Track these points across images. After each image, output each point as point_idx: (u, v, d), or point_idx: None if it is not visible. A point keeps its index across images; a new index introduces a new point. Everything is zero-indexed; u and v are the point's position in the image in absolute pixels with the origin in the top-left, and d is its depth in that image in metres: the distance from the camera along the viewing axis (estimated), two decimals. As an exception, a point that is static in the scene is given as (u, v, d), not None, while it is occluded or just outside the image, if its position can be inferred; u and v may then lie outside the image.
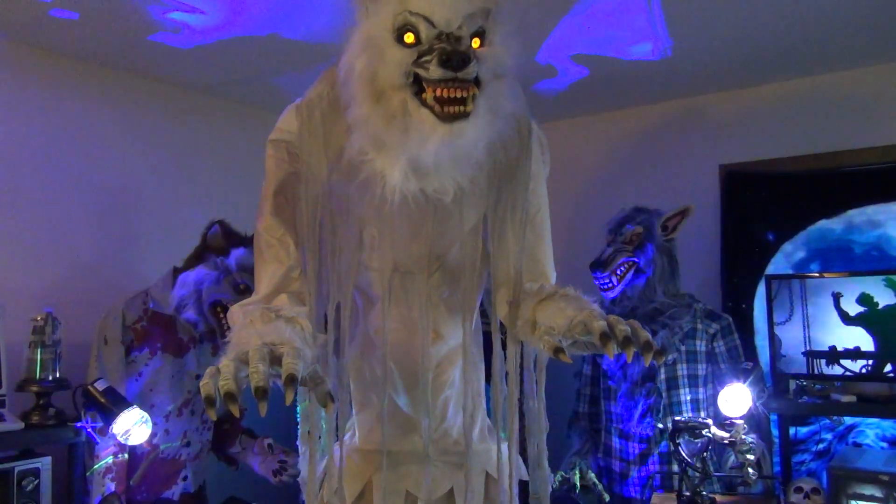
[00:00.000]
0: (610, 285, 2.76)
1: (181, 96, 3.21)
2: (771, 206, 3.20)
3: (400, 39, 1.20)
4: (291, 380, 1.00)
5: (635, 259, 2.75)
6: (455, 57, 1.13)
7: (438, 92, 1.15)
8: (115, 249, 2.92)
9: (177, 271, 2.56)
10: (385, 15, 1.21)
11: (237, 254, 2.50)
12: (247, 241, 2.51)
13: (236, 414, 0.98)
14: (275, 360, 1.05)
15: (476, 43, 1.22)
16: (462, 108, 1.16)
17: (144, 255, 2.98)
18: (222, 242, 2.54)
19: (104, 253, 2.88)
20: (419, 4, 1.19)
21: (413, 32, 1.19)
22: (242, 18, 2.46)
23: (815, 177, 3.11)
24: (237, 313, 1.31)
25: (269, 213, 1.42)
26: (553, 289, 1.35)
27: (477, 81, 1.19)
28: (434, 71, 1.15)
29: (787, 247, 3.15)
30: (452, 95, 1.15)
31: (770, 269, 3.14)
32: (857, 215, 3.01)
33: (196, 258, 2.55)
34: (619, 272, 2.75)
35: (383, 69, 1.19)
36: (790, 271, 3.10)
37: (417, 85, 1.18)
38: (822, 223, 3.08)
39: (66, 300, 2.59)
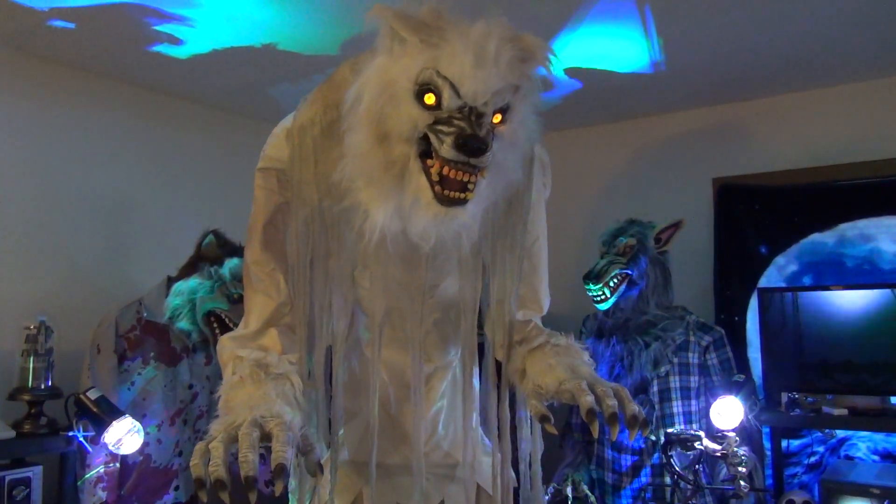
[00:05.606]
0: (603, 297, 2.77)
1: (177, 106, 3.22)
2: (764, 219, 3.21)
3: (420, 96, 1.11)
4: (281, 470, 1.00)
5: (628, 271, 2.76)
6: (472, 143, 1.05)
7: (445, 171, 1.09)
8: (108, 258, 2.92)
9: (171, 280, 2.56)
10: (410, 64, 1.11)
11: (231, 263, 2.51)
12: (241, 251, 2.51)
13: (227, 502, 0.99)
14: (265, 436, 1.06)
15: (497, 118, 1.14)
16: (462, 194, 1.10)
17: (138, 264, 2.97)
18: (216, 252, 2.54)
19: (98, 261, 2.87)
20: (450, 69, 1.09)
21: (435, 94, 1.10)
22: (238, 29, 2.47)
23: (808, 191, 3.13)
24: (227, 351, 1.31)
25: (259, 247, 1.37)
26: (544, 337, 1.32)
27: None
28: (447, 151, 1.07)
29: (779, 260, 3.16)
30: (458, 178, 1.09)
31: (762, 282, 3.15)
32: (849, 229, 3.03)
33: (190, 267, 2.56)
34: (612, 284, 2.75)
35: (394, 119, 1.12)
36: (783, 284, 3.11)
37: (425, 143, 1.11)
38: (815, 237, 3.09)
39: (60, 309, 2.58)
